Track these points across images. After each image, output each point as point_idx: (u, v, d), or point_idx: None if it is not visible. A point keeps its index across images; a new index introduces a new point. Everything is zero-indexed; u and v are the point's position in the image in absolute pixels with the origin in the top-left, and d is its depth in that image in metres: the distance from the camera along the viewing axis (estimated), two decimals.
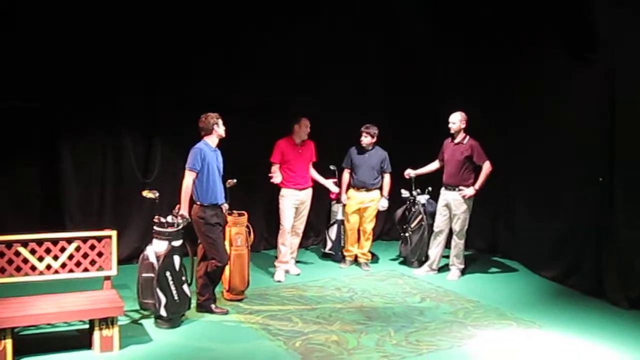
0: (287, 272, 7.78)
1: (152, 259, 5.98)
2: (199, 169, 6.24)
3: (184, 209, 6.21)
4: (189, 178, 6.25)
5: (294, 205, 7.64)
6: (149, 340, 5.76)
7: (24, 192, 7.58)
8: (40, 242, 5.56)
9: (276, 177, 7.51)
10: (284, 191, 7.63)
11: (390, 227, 9.53)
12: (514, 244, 8.63)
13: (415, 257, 8.28)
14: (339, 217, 8.56)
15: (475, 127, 7.77)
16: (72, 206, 7.74)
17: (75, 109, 7.63)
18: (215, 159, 6.39)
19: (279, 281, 7.57)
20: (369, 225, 8.19)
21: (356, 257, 8.34)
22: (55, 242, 5.61)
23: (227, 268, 6.62)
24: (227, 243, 6.69)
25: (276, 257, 7.87)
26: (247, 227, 6.90)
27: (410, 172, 8.12)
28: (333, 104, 8.83)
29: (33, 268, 5.54)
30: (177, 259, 6.04)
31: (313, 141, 7.80)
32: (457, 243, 7.84)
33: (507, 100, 8.48)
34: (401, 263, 8.53)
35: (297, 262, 8.11)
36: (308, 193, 7.78)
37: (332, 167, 8.44)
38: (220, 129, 6.39)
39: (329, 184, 7.95)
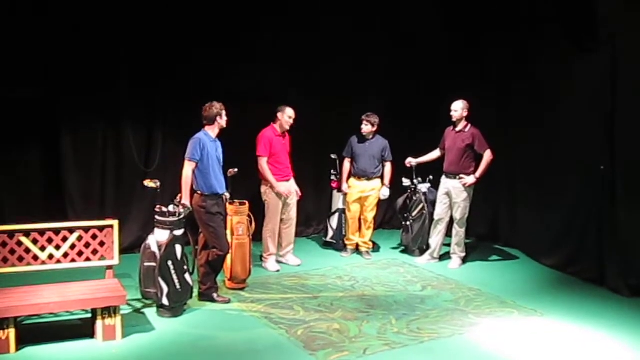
0: (280, 261, 7.74)
1: (154, 248, 6.00)
2: (199, 158, 6.22)
3: (185, 199, 6.21)
4: (188, 168, 6.23)
5: (280, 198, 7.55)
6: (152, 329, 5.78)
7: (25, 182, 7.58)
8: (42, 232, 5.56)
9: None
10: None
11: (391, 216, 9.54)
12: (515, 232, 8.64)
13: (416, 245, 8.29)
14: (340, 206, 8.55)
15: (477, 115, 7.75)
16: (73, 196, 7.74)
17: (77, 99, 7.62)
18: (215, 149, 6.36)
19: (277, 271, 7.54)
20: (370, 214, 8.19)
21: (357, 245, 8.35)
22: (57, 231, 5.61)
23: (228, 257, 6.63)
24: (228, 232, 6.70)
25: (263, 251, 7.66)
26: (249, 216, 6.90)
27: (411, 161, 8.12)
28: (333, 93, 8.81)
29: (35, 258, 5.55)
30: (179, 248, 6.05)
31: (290, 134, 7.67)
32: (458, 231, 7.84)
33: (508, 89, 8.48)
34: (402, 252, 8.54)
35: (295, 251, 8.05)
36: (293, 183, 7.72)
37: (333, 156, 8.42)
38: (222, 120, 6.35)
39: (294, 189, 7.75)
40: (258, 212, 7.38)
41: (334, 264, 7.92)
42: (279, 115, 7.47)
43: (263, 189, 7.55)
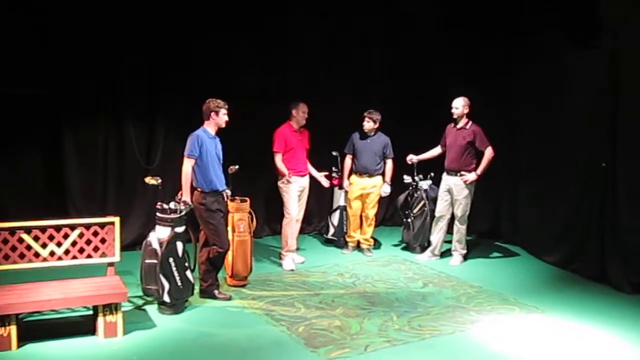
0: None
1: (155, 245, 5.99)
2: (197, 155, 6.21)
3: (185, 196, 6.21)
4: (187, 165, 6.23)
5: (297, 192, 7.61)
6: (153, 325, 5.79)
7: (26, 179, 7.59)
8: (43, 229, 5.56)
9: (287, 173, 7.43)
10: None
11: (392, 213, 9.54)
12: (516, 229, 8.64)
13: (417, 242, 8.29)
14: (341, 203, 8.55)
15: (477, 113, 7.74)
16: (75, 193, 7.75)
17: (78, 96, 7.63)
18: (214, 146, 6.35)
19: (291, 270, 7.49)
20: (372, 211, 8.19)
21: (359, 242, 8.35)
22: (58, 228, 5.61)
23: (229, 254, 6.64)
24: (229, 229, 6.70)
25: (282, 247, 7.69)
26: (250, 213, 6.90)
27: (412, 158, 8.11)
28: (335, 90, 8.81)
29: (36, 255, 5.55)
30: (179, 245, 6.05)
31: (308, 130, 7.74)
32: (459, 228, 7.84)
33: (509, 87, 8.47)
34: (404, 249, 8.55)
35: (299, 248, 8.07)
36: (307, 179, 7.75)
37: (334, 153, 8.41)
38: (219, 118, 6.30)
39: (321, 177, 7.85)
40: (259, 209, 7.36)
41: (335, 261, 7.93)
42: (294, 112, 7.51)
43: (280, 184, 7.58)
